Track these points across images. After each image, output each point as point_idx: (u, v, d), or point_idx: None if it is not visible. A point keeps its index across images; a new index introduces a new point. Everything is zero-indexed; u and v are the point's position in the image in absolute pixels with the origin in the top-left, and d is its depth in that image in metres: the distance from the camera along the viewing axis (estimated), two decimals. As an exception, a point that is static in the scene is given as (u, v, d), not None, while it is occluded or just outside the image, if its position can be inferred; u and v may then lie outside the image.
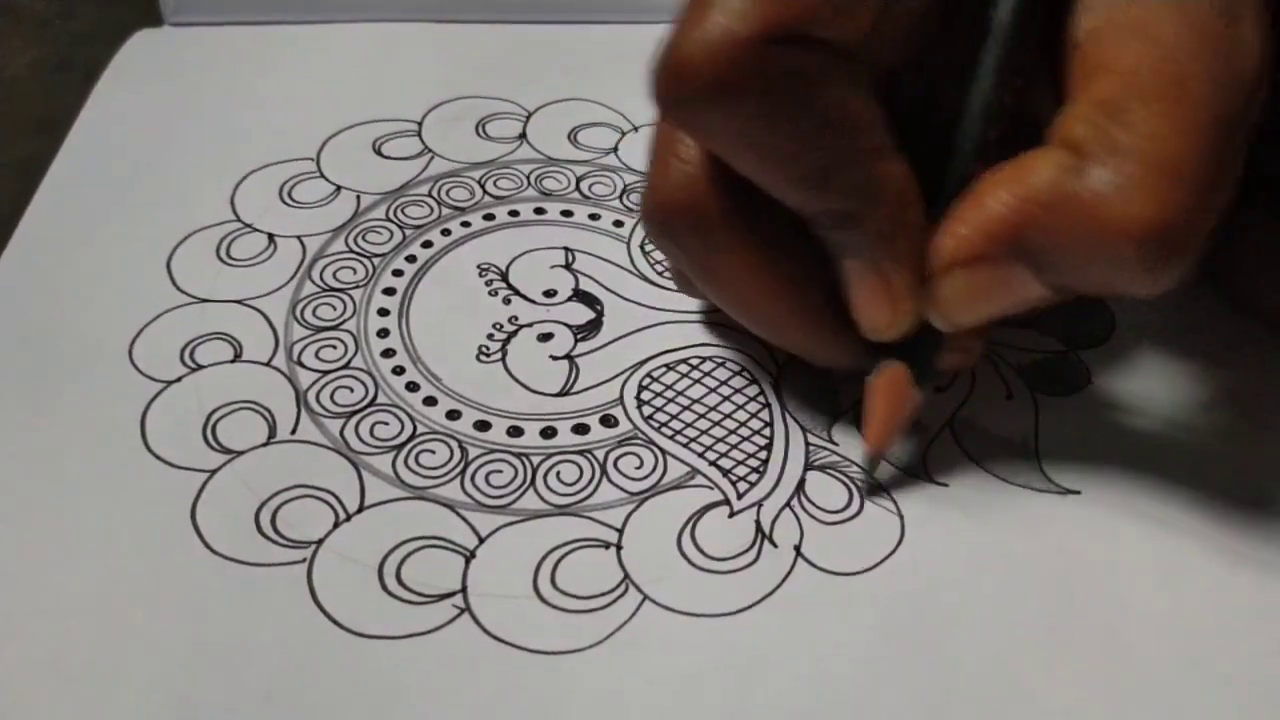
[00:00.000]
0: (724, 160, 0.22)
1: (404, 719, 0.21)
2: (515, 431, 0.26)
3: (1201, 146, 0.19)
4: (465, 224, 0.31)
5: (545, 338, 0.28)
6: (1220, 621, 0.23)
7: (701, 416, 0.26)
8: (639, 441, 0.26)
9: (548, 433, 0.26)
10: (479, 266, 0.30)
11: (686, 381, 0.27)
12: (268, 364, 0.27)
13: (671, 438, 0.26)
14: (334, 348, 0.28)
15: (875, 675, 0.22)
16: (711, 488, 0.25)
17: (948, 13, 0.22)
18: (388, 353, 0.28)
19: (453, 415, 0.26)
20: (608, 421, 0.26)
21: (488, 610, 0.23)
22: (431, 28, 0.38)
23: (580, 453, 0.26)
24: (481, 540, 0.24)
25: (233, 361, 0.27)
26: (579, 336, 0.28)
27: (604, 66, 0.37)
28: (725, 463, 0.25)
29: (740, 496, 0.25)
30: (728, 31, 0.20)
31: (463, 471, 0.25)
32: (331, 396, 0.26)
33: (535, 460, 0.25)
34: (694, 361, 0.28)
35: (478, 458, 0.25)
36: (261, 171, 0.32)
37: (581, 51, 0.37)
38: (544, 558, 0.23)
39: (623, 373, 0.27)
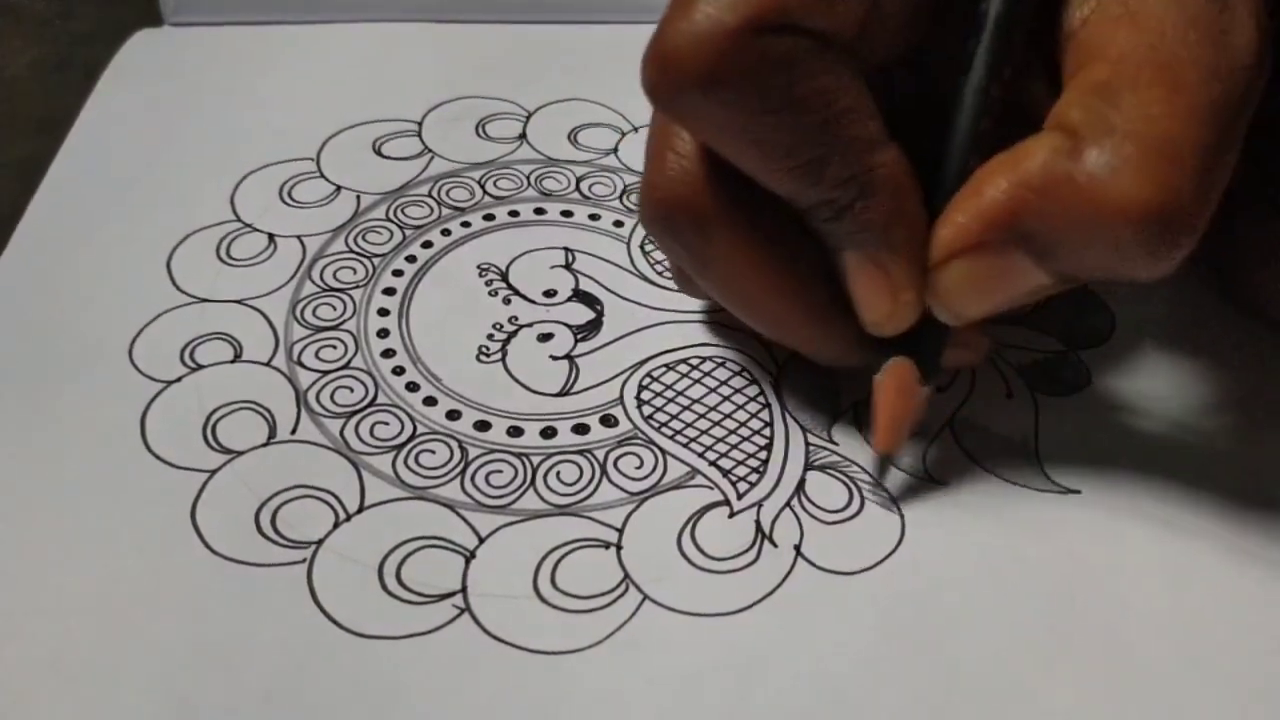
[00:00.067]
0: (718, 153, 0.22)
1: (404, 719, 0.21)
2: (515, 431, 0.26)
3: (1196, 129, 0.19)
4: (465, 224, 0.31)
5: (545, 338, 0.28)
6: (1221, 621, 0.23)
7: (701, 416, 0.26)
8: (639, 441, 0.26)
9: (548, 433, 0.26)
10: (479, 266, 0.30)
11: (686, 381, 0.27)
12: (268, 364, 0.27)
13: (671, 438, 0.26)
14: (334, 348, 0.28)
15: (875, 675, 0.22)
16: (711, 488, 0.25)
17: (941, 5, 0.22)
18: (388, 353, 0.28)
19: (453, 415, 0.26)
20: (608, 421, 0.26)
21: (488, 610, 0.23)
22: (431, 28, 0.38)
23: (580, 453, 0.26)
24: (481, 540, 0.24)
25: (233, 361, 0.27)
26: (579, 336, 0.28)
27: (604, 66, 0.37)
28: (725, 463, 0.25)
29: (740, 496, 0.25)
30: (716, 21, 0.20)
31: (463, 471, 0.25)
32: (331, 396, 0.26)
33: (535, 460, 0.25)
34: (694, 361, 0.28)
35: (478, 458, 0.25)
36: (261, 171, 0.32)
37: (581, 51, 0.37)
38: (544, 558, 0.23)
39: (623, 373, 0.27)
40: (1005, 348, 0.28)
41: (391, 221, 0.31)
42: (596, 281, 0.30)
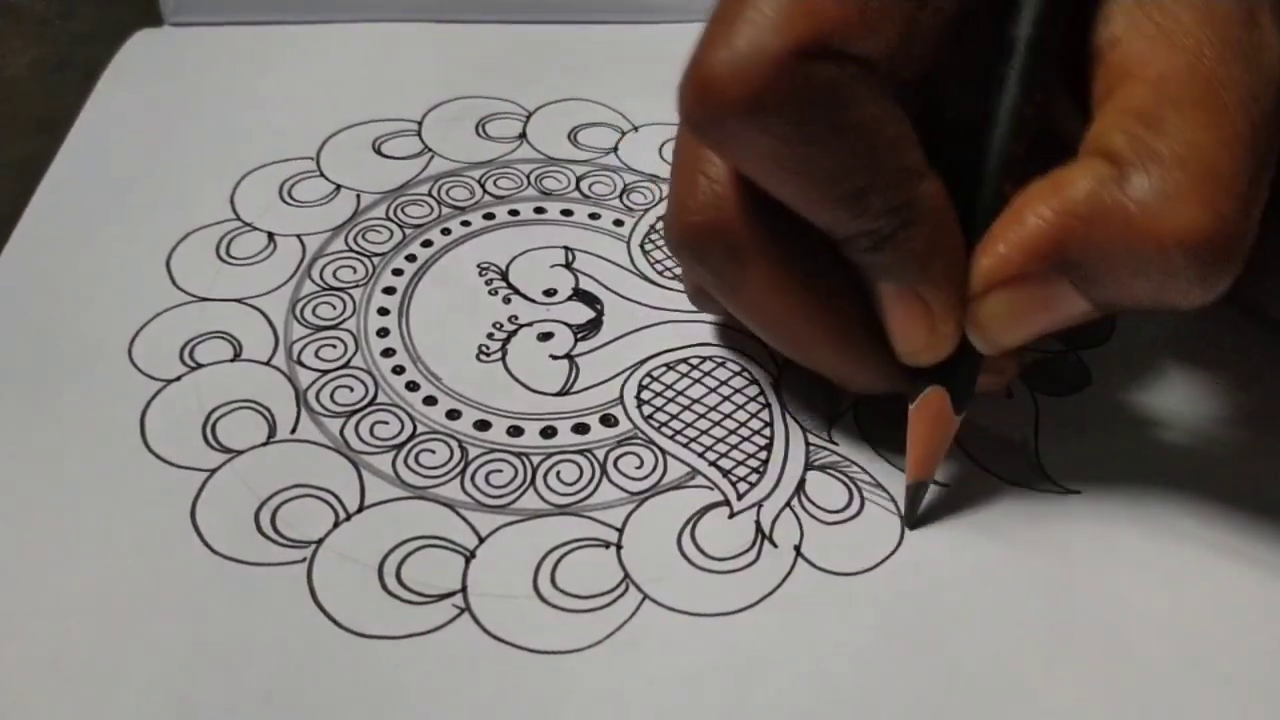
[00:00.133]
0: (754, 180, 0.21)
1: (404, 719, 0.21)
2: (515, 431, 0.26)
3: (1240, 152, 0.19)
4: (465, 223, 0.31)
5: (545, 337, 0.28)
6: (1220, 621, 0.23)
7: (702, 416, 0.26)
8: (639, 441, 0.26)
9: (548, 432, 0.26)
10: (479, 266, 0.30)
11: (686, 381, 0.27)
12: (267, 363, 0.27)
13: (671, 438, 0.26)
14: (334, 347, 0.28)
15: (875, 675, 0.22)
16: (711, 488, 0.25)
17: (964, 27, 0.22)
18: (388, 352, 0.28)
19: (453, 415, 0.26)
20: (608, 421, 0.26)
21: (488, 610, 0.23)
22: (431, 28, 0.38)
23: (580, 452, 0.26)
24: (481, 540, 0.24)
25: (232, 360, 0.27)
26: (579, 336, 0.28)
27: (604, 66, 0.37)
28: (725, 463, 0.25)
29: (740, 496, 0.25)
30: (760, 46, 0.19)
31: (463, 471, 0.25)
32: (331, 396, 0.26)
33: (535, 460, 0.25)
34: (694, 361, 0.28)
35: (478, 457, 0.25)
36: (261, 171, 0.32)
37: (581, 51, 0.37)
38: (544, 557, 0.23)
39: (623, 372, 0.27)
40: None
41: (391, 221, 0.31)
42: (596, 281, 0.30)
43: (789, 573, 0.23)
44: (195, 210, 0.31)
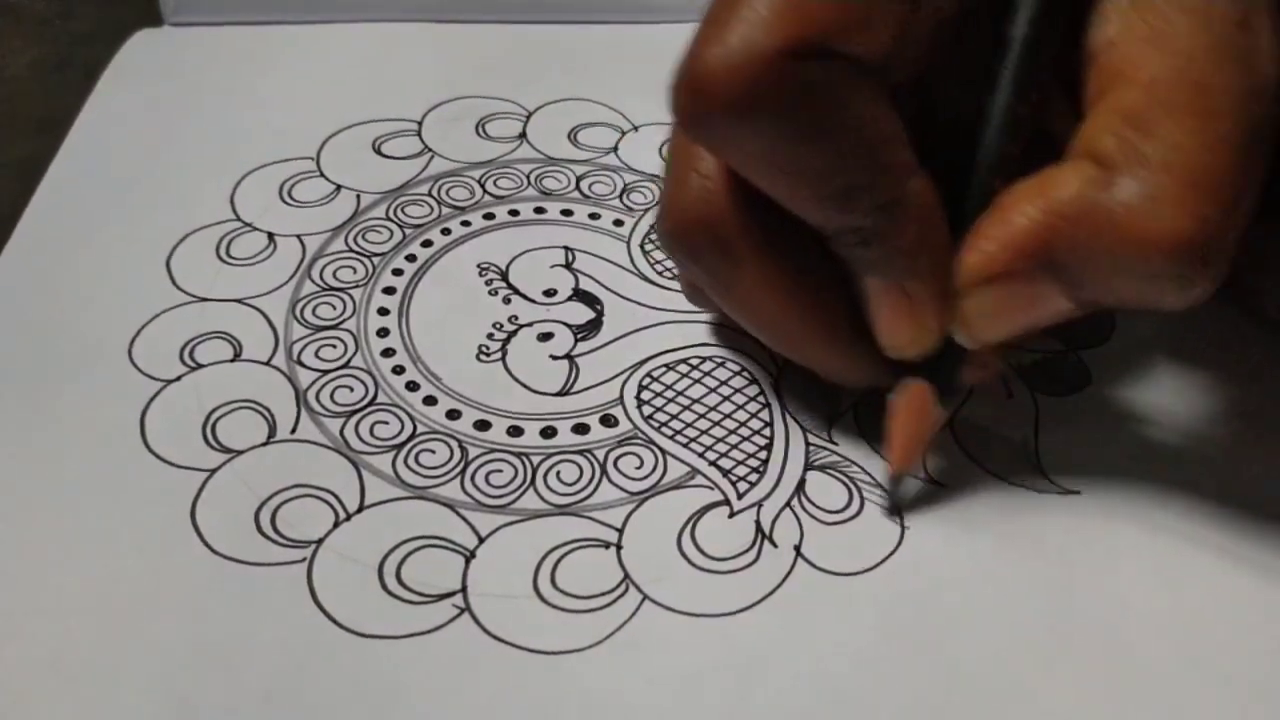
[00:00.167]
0: (745, 177, 0.21)
1: (404, 719, 0.21)
2: (515, 431, 0.26)
3: (1228, 157, 0.19)
4: (465, 223, 0.31)
5: (545, 337, 0.28)
6: (1220, 621, 0.23)
7: (701, 416, 0.26)
8: (639, 441, 0.26)
9: (548, 432, 0.26)
10: (479, 266, 0.30)
11: (686, 381, 0.27)
12: (267, 363, 0.27)
13: (671, 438, 0.26)
14: (334, 347, 0.28)
15: (875, 675, 0.22)
16: (711, 488, 0.25)
17: (962, 27, 0.22)
18: (388, 352, 0.28)
19: (453, 415, 0.26)
20: (608, 421, 0.26)
21: (488, 610, 0.23)
22: (431, 28, 0.38)
23: (580, 453, 0.26)
24: (481, 540, 0.24)
25: (232, 361, 0.27)
26: (579, 336, 0.28)
27: (604, 66, 0.37)
28: (725, 463, 0.25)
29: (740, 496, 0.25)
30: (752, 45, 0.19)
31: (463, 471, 0.25)
32: (331, 396, 0.26)
33: (535, 460, 0.25)
34: (694, 361, 0.28)
35: (478, 457, 0.25)
36: (261, 171, 0.32)
37: (581, 51, 0.37)
38: (544, 558, 0.23)
39: (623, 372, 0.27)
40: (1005, 348, 0.28)
41: (391, 221, 0.31)
42: (596, 281, 0.30)
43: (789, 573, 0.23)
44: (195, 210, 0.31)
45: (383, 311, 0.29)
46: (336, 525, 0.24)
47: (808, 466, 0.26)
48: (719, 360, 0.28)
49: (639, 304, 0.29)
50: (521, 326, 0.28)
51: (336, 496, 0.24)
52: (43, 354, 0.27)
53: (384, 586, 0.23)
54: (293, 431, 0.26)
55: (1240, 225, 0.19)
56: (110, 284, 0.29)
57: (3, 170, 0.33)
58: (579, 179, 0.33)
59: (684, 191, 0.23)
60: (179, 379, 0.27)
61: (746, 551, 0.24)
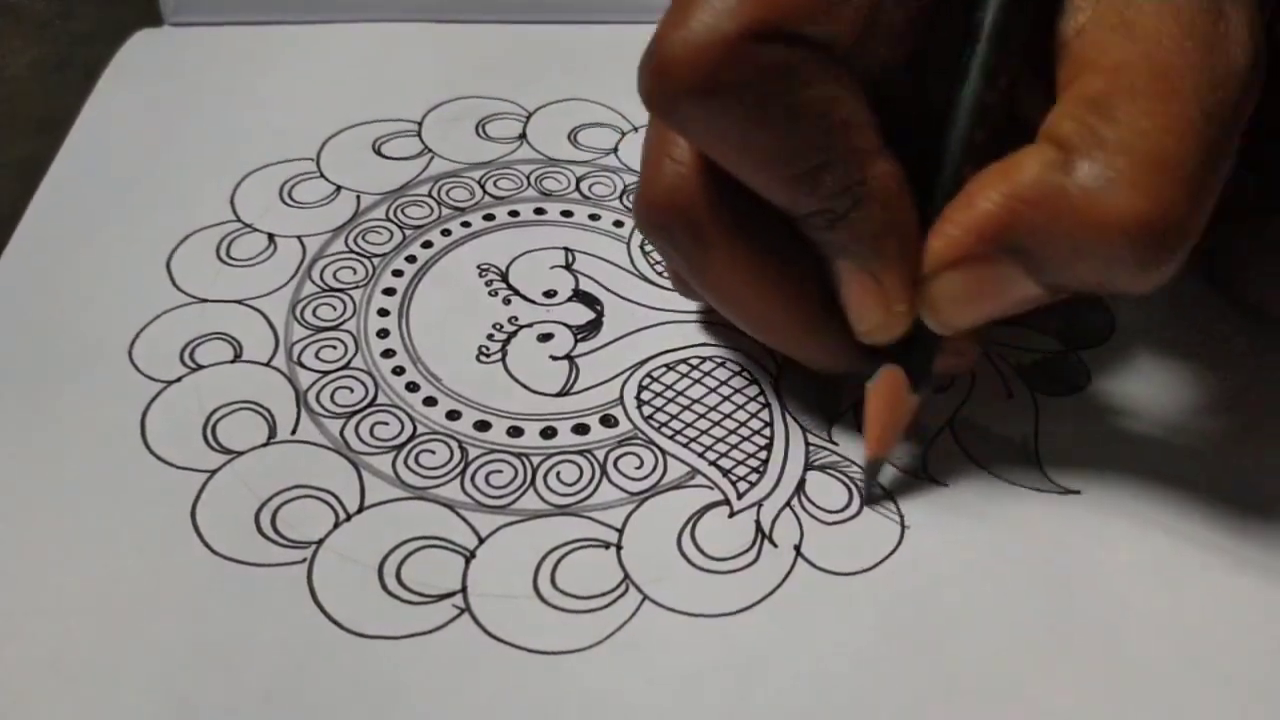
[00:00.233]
0: (713, 159, 0.22)
1: (404, 719, 0.21)
2: (515, 431, 0.26)
3: (1189, 140, 0.19)
4: (465, 224, 0.31)
5: (545, 338, 0.28)
6: (1220, 621, 0.23)
7: (701, 416, 0.26)
8: (639, 441, 0.26)
9: (548, 433, 0.26)
10: (479, 267, 0.30)
11: (686, 381, 0.27)
12: (268, 364, 0.27)
13: (671, 438, 0.26)
14: (334, 348, 0.28)
15: (875, 675, 0.22)
16: (711, 488, 0.25)
17: (937, 15, 0.22)
18: (388, 353, 0.28)
19: (453, 415, 0.26)
20: (608, 421, 0.26)
21: (488, 610, 0.23)
22: (431, 28, 0.38)
23: (580, 453, 0.26)
24: (481, 540, 0.24)
25: (233, 361, 0.27)
26: (579, 336, 0.28)
27: (604, 66, 0.37)
28: (725, 463, 0.25)
29: (740, 496, 0.25)
30: (714, 29, 0.19)
31: (463, 471, 0.25)
32: (331, 397, 0.26)
33: (535, 460, 0.25)
34: (694, 361, 0.28)
35: (478, 458, 0.25)
36: (261, 171, 0.32)
37: (581, 51, 0.37)
38: (544, 558, 0.23)
39: (623, 373, 0.27)
40: (1005, 348, 0.28)
41: (391, 221, 0.31)
42: (596, 281, 0.30)
43: (789, 573, 0.23)
44: (195, 211, 0.31)
45: (383, 312, 0.29)
46: (336, 526, 0.24)
47: (808, 466, 0.26)
48: (719, 360, 0.28)
49: (639, 304, 0.29)
50: (521, 327, 0.28)
51: (336, 497, 0.24)
52: (43, 354, 0.27)
53: (384, 587, 0.23)
54: (293, 432, 0.26)
55: (1203, 210, 0.19)
56: (110, 284, 0.29)
57: (3, 170, 0.33)
58: (579, 180, 0.33)
59: (657, 176, 0.23)
60: (179, 380, 0.27)
61: (746, 551, 0.24)
